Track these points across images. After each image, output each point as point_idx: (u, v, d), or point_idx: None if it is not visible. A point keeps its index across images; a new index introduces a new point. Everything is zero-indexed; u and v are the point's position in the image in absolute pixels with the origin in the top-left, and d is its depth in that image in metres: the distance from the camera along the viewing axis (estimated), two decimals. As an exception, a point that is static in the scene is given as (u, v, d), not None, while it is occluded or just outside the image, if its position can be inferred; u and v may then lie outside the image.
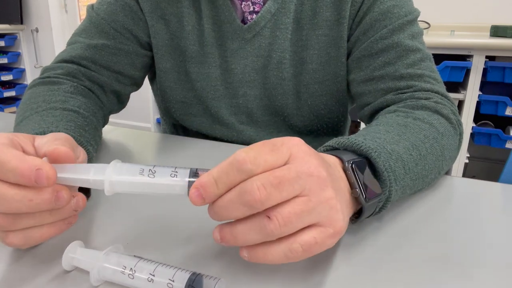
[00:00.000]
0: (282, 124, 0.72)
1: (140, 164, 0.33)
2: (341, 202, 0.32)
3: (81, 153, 0.40)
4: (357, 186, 0.35)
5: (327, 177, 0.30)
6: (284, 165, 0.30)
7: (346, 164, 0.36)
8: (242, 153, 0.29)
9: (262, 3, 0.64)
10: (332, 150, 0.41)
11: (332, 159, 0.37)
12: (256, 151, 0.29)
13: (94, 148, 0.53)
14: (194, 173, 0.32)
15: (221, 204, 0.30)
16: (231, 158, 0.29)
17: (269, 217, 0.29)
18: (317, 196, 0.30)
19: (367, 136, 0.42)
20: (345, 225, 0.32)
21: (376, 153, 0.38)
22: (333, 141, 0.41)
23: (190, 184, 0.31)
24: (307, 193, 0.29)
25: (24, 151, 0.34)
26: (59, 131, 0.47)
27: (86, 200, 0.36)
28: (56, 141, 0.36)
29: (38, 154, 0.35)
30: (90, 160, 0.50)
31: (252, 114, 0.71)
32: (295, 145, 0.31)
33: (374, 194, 0.37)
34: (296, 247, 0.29)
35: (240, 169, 0.28)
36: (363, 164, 0.38)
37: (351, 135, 0.43)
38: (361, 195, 0.35)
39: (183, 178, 0.32)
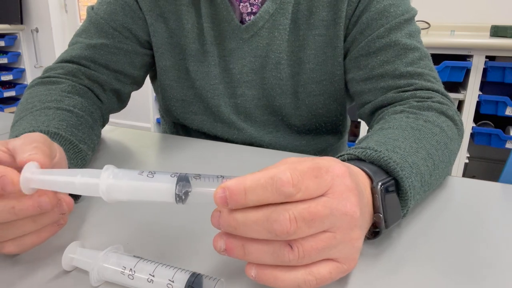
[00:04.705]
0: (281, 124, 0.72)
1: (136, 170, 0.33)
2: (363, 236, 0.32)
3: (57, 150, 0.39)
4: (381, 212, 0.35)
5: (359, 217, 0.30)
6: (322, 195, 0.29)
7: (376, 188, 0.36)
8: (287, 172, 0.27)
9: (260, 4, 0.64)
10: (356, 160, 0.40)
11: (362, 179, 0.36)
12: (300, 174, 0.27)
13: (89, 147, 0.53)
14: (183, 177, 0.31)
15: (243, 221, 0.28)
16: (273, 174, 0.27)
17: (290, 246, 0.28)
18: (343, 234, 0.29)
19: (387, 145, 0.41)
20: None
21: (403, 172, 0.38)
22: (358, 151, 0.40)
23: (177, 190, 0.30)
24: (335, 230, 0.29)
25: None
26: (49, 130, 0.47)
27: (72, 202, 0.36)
28: (33, 144, 0.35)
29: (15, 157, 0.34)
30: (85, 158, 0.51)
31: (251, 113, 0.71)
32: (338, 176, 0.29)
33: (394, 220, 0.37)
34: (311, 279, 0.29)
35: (280, 190, 0.27)
36: (391, 186, 0.37)
37: (371, 143, 0.41)
38: (383, 221, 0.35)
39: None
